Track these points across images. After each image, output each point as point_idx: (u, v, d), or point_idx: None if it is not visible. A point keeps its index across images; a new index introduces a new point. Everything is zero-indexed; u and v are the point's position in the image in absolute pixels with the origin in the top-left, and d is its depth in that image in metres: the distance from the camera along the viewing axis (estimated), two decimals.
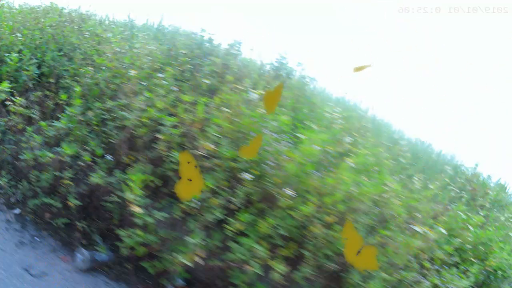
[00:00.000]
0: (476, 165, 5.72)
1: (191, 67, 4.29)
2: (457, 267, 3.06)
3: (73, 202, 2.94)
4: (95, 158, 3.08)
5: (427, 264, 2.88)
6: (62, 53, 4.23)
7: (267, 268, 2.48)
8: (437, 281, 2.78)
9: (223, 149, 2.86)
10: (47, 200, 3.06)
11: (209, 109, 3.20)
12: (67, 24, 4.79)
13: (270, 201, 2.76)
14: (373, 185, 2.80)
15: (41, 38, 4.34)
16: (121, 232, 2.67)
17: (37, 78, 3.90)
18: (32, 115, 3.44)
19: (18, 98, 3.39)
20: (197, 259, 2.53)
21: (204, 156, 2.89)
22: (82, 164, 3.04)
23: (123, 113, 3.13)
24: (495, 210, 4.86)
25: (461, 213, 3.58)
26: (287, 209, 2.67)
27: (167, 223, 2.73)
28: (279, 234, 2.59)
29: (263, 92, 3.61)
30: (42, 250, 2.93)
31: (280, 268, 2.44)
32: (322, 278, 2.58)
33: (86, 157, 3.02)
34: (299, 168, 2.79)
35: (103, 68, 3.66)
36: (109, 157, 3.12)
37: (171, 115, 3.12)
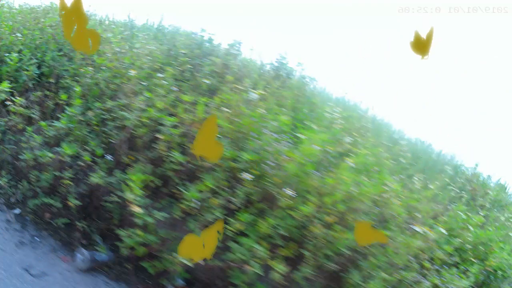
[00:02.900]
0: (476, 165, 5.72)
1: (191, 67, 4.28)
2: (457, 267, 3.06)
3: (73, 202, 2.94)
4: (95, 158, 3.08)
5: (427, 264, 2.88)
6: (62, 53, 4.23)
7: (267, 268, 2.47)
8: (437, 281, 2.78)
9: (223, 149, 2.86)
10: (47, 200, 3.06)
11: (209, 109, 3.20)
12: None
13: (270, 201, 2.76)
14: (373, 185, 2.80)
15: (41, 38, 4.34)
16: (121, 232, 2.67)
17: (37, 78, 3.89)
18: (32, 115, 3.44)
19: (18, 98, 3.39)
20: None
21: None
22: (82, 164, 3.04)
23: (123, 113, 3.13)
24: (495, 210, 4.86)
25: (461, 213, 3.58)
26: (287, 209, 2.67)
27: (167, 223, 2.73)
28: (279, 234, 2.59)
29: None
30: (42, 250, 2.93)
31: (280, 268, 2.44)
32: (322, 278, 2.58)
33: (86, 157, 3.02)
34: (299, 168, 2.79)
35: (103, 68, 3.66)
36: (109, 157, 3.12)
37: (171, 115, 3.12)
